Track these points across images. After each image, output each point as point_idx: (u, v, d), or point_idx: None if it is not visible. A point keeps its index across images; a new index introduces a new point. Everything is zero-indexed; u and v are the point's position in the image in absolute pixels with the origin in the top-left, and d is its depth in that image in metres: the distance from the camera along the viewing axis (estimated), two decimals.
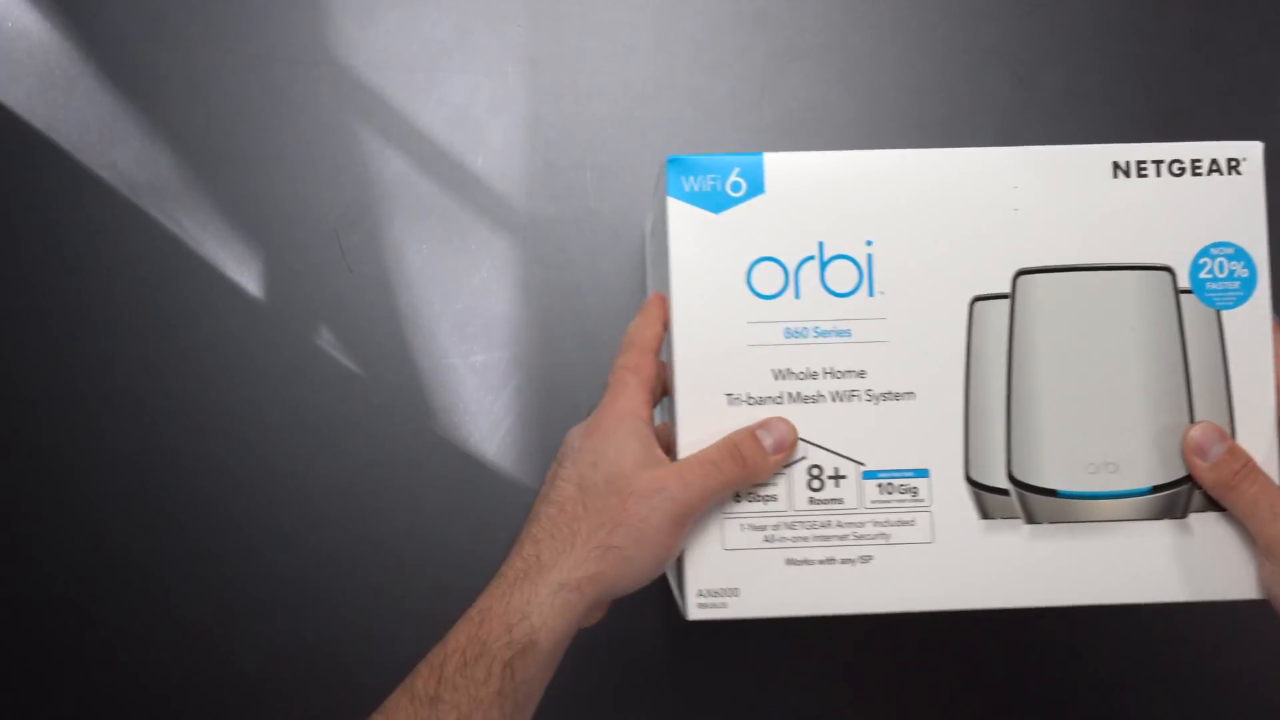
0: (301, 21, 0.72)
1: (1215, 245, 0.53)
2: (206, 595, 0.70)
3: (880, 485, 0.53)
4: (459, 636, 0.46)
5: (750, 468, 0.50)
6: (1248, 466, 0.52)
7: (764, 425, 0.51)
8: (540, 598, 0.47)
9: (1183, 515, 0.52)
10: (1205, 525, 0.52)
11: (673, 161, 0.53)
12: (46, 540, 0.70)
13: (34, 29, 0.70)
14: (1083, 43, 0.76)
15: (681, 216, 0.53)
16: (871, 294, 0.53)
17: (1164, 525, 0.52)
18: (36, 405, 0.70)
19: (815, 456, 0.52)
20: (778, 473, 0.52)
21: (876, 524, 0.53)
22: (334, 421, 0.71)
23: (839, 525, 0.53)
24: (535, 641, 0.46)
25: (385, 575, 0.71)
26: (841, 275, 0.53)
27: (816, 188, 0.53)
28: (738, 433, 0.51)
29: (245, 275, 0.71)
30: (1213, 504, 0.52)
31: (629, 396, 0.51)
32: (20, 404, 0.70)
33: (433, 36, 0.73)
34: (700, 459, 0.50)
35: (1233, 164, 0.53)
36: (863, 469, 0.53)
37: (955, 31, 0.75)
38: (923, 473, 0.52)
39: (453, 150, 0.72)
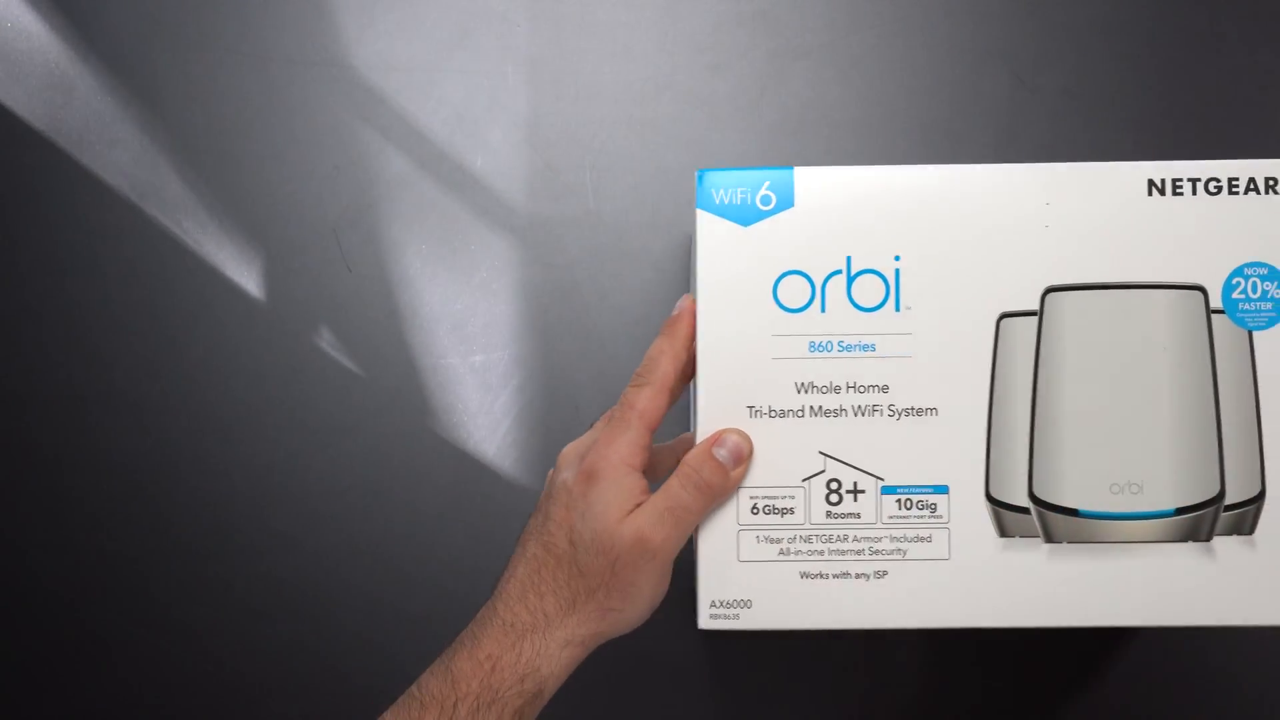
0: (301, 21, 0.72)
1: (1249, 265, 0.52)
2: (204, 595, 0.70)
3: (899, 501, 0.53)
4: (470, 682, 0.49)
5: (716, 492, 0.51)
6: None
7: (718, 442, 0.52)
8: (550, 651, 0.50)
9: (1207, 538, 0.52)
10: (1229, 549, 0.52)
11: (704, 174, 0.53)
12: (44, 540, 0.70)
13: (34, 29, 0.70)
14: (1083, 43, 0.76)
15: (711, 228, 0.53)
16: (898, 309, 0.53)
17: (1188, 548, 0.52)
18: (35, 405, 0.70)
19: (834, 470, 0.52)
20: (797, 488, 0.53)
21: (894, 539, 0.53)
22: (333, 421, 0.71)
23: (856, 540, 0.53)
24: (542, 691, 0.50)
25: (384, 575, 0.71)
26: (868, 290, 0.53)
27: (846, 202, 0.53)
28: (695, 457, 0.51)
29: (245, 275, 0.71)
30: (1237, 528, 0.52)
31: (628, 442, 0.51)
32: (19, 404, 0.70)
33: (433, 36, 0.73)
34: (671, 507, 0.50)
35: (1271, 183, 0.53)
36: (882, 484, 0.53)
37: (955, 31, 0.75)
38: (942, 489, 0.52)
39: (453, 150, 0.72)
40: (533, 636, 0.50)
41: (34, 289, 0.70)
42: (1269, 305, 0.52)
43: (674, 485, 0.51)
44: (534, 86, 0.73)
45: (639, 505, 0.51)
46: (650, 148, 0.73)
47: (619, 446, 0.51)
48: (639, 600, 0.51)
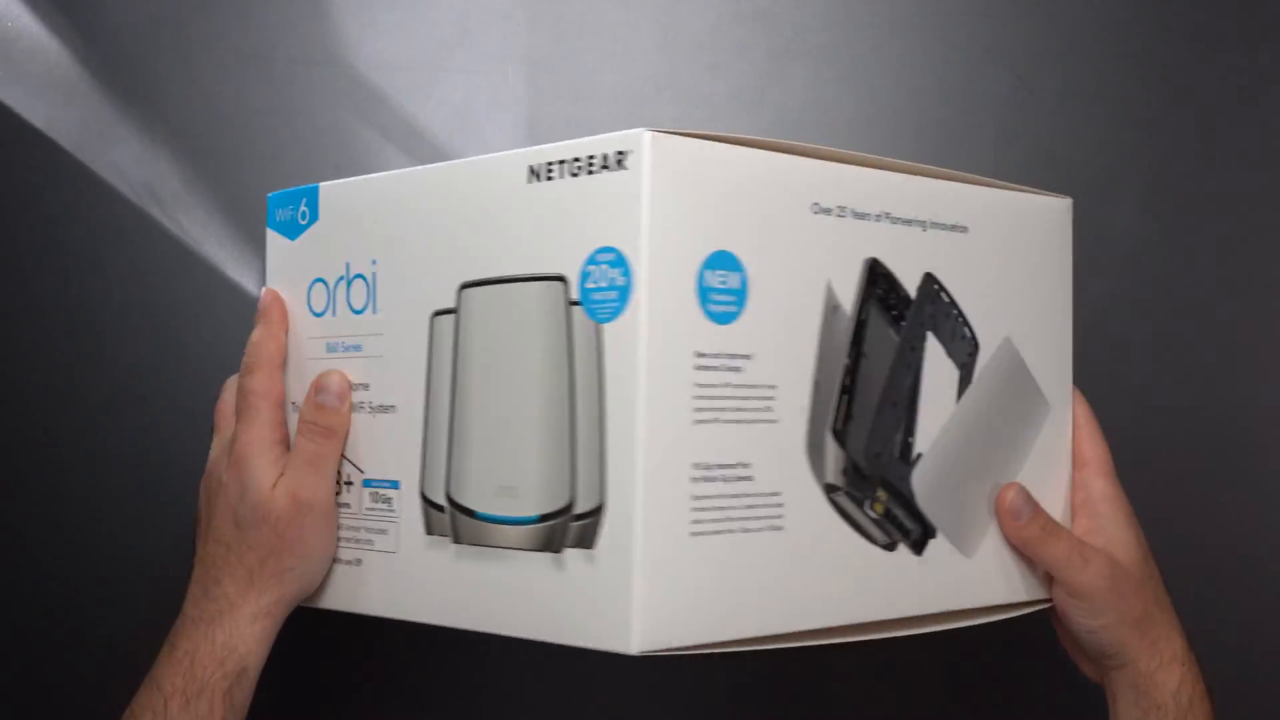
0: (301, 21, 0.72)
1: (600, 251, 0.47)
2: None
3: (372, 494, 0.55)
4: (174, 679, 0.52)
5: (336, 430, 0.55)
6: (1050, 521, 0.57)
7: (320, 388, 0.56)
8: (241, 629, 0.53)
9: (559, 549, 0.48)
10: (576, 562, 0.47)
11: (271, 197, 0.61)
12: (45, 540, 0.70)
13: (34, 29, 0.70)
14: (1082, 43, 0.76)
15: (273, 243, 0.61)
16: (376, 311, 0.55)
17: (545, 558, 0.48)
18: (35, 405, 0.70)
19: (344, 463, 0.56)
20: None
21: (367, 529, 0.55)
22: None
23: (348, 528, 0.56)
24: (245, 669, 0.53)
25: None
26: (358, 294, 0.56)
27: (352, 212, 0.57)
28: (307, 410, 0.55)
29: (245, 275, 0.71)
30: (582, 540, 0.47)
31: (261, 424, 0.56)
32: (19, 404, 0.70)
33: (433, 36, 0.73)
34: (308, 459, 0.55)
35: (620, 158, 0.47)
36: (364, 477, 0.56)
37: (955, 31, 0.75)
38: (394, 484, 0.54)
39: (453, 150, 0.72)
40: (221, 621, 0.53)
41: (34, 289, 0.70)
42: (614, 295, 0.46)
43: (301, 441, 0.55)
44: (534, 86, 0.73)
45: (282, 467, 0.55)
46: None
47: (256, 429, 0.55)
48: (312, 553, 0.55)
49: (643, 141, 0.46)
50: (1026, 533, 0.57)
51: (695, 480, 0.47)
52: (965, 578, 0.56)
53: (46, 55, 0.70)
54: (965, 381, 0.56)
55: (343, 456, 0.56)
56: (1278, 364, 0.78)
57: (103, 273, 0.70)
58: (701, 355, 0.47)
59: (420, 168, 0.55)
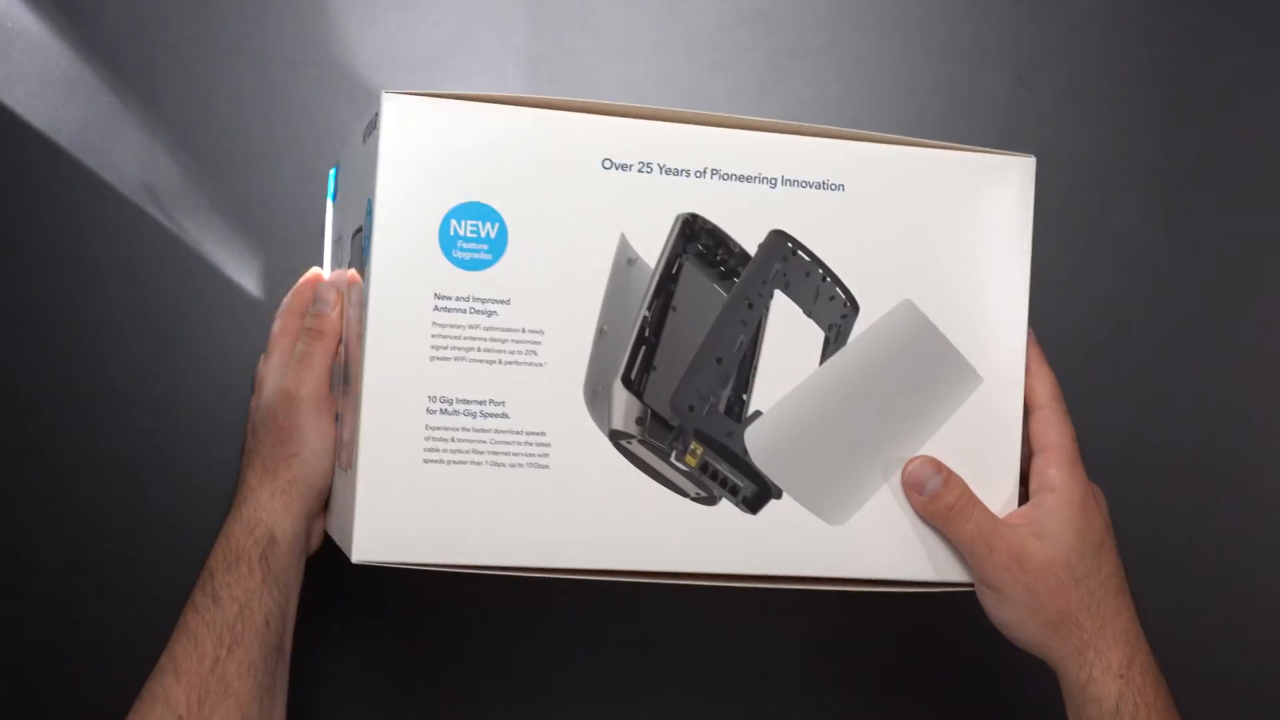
0: (301, 21, 0.72)
1: (367, 204, 0.53)
2: None
3: None
4: (215, 555, 0.58)
5: (328, 332, 0.60)
6: (962, 500, 0.55)
7: (317, 298, 0.62)
8: (263, 502, 0.59)
9: (345, 469, 0.56)
10: (342, 480, 0.57)
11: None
12: (43, 540, 0.70)
13: (34, 29, 0.70)
14: (1083, 43, 0.76)
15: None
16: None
17: (341, 475, 0.58)
18: (34, 405, 0.70)
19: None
20: None
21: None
22: None
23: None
24: (274, 536, 0.58)
25: (384, 575, 0.70)
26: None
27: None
28: (306, 317, 0.62)
29: (245, 275, 0.71)
30: (348, 464, 0.55)
31: (317, 375, 0.60)
32: (18, 404, 0.70)
33: (433, 36, 0.73)
34: (298, 358, 0.60)
35: (375, 121, 0.53)
36: None
37: (955, 31, 0.75)
38: None
39: None
40: (248, 502, 0.60)
41: (34, 288, 0.70)
42: (367, 243, 0.53)
43: (298, 345, 0.61)
44: (534, 86, 0.73)
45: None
46: None
47: (306, 374, 0.61)
48: (307, 441, 0.59)
49: (383, 104, 0.51)
50: (931, 508, 0.55)
51: (431, 412, 0.52)
52: (831, 546, 0.55)
53: (46, 55, 0.70)
54: (833, 343, 0.55)
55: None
56: (1278, 364, 0.78)
57: (102, 272, 0.70)
58: (443, 298, 0.51)
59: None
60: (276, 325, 0.65)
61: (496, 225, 0.52)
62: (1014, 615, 0.55)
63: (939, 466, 0.55)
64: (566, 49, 0.73)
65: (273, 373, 0.63)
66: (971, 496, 0.55)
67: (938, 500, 0.55)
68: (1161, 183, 0.77)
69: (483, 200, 0.52)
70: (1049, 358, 0.59)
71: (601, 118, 0.53)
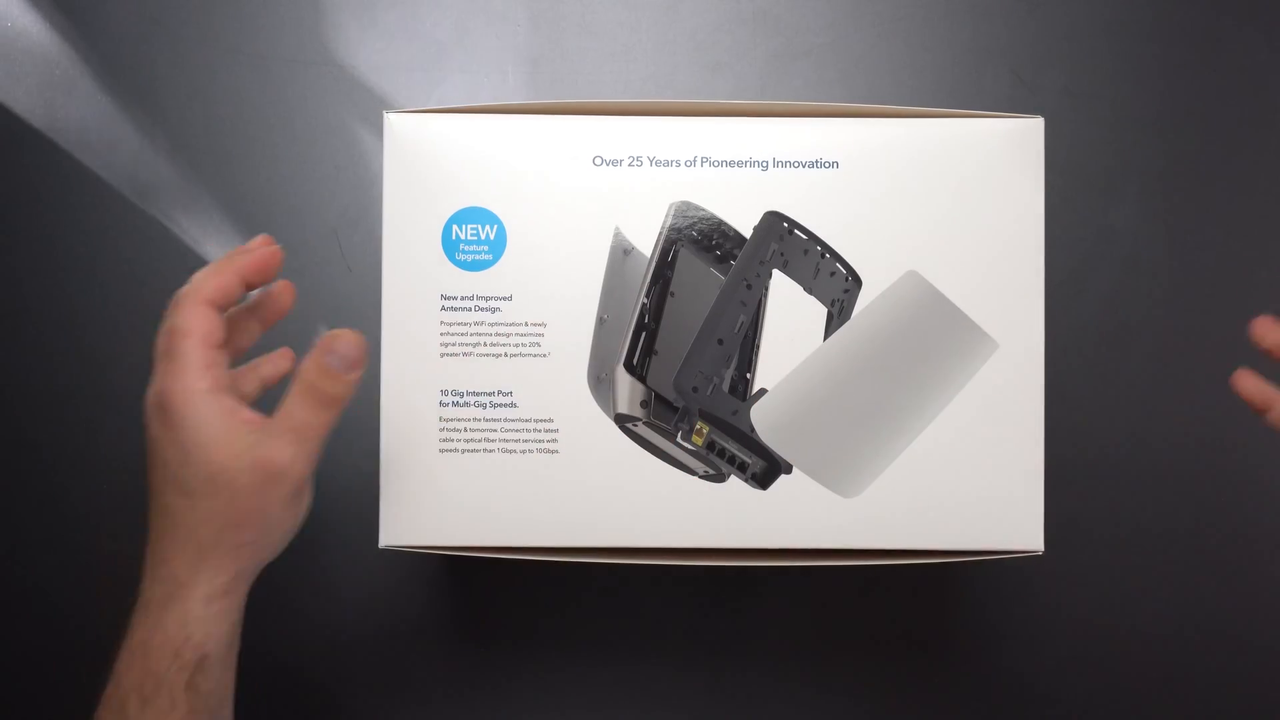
0: (301, 21, 0.72)
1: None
2: None
3: None
4: (131, 675, 0.46)
5: (337, 402, 0.48)
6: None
7: (329, 349, 0.48)
8: (195, 614, 0.46)
9: None
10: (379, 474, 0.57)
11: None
12: (43, 540, 0.70)
13: (34, 29, 0.70)
14: (1083, 43, 0.76)
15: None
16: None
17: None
18: (34, 405, 0.70)
19: None
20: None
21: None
22: None
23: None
24: (206, 655, 0.46)
25: (386, 570, 0.70)
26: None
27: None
28: (310, 370, 0.48)
29: None
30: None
31: (188, 369, 0.47)
32: (18, 404, 0.70)
33: (433, 36, 0.73)
34: (292, 427, 0.47)
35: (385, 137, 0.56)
36: None
37: (955, 31, 0.75)
38: None
39: None
40: (171, 606, 0.46)
41: (33, 288, 0.70)
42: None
43: (294, 404, 0.47)
44: (534, 86, 0.73)
45: (252, 430, 0.47)
46: None
47: (186, 376, 0.46)
48: (273, 528, 0.48)
49: (385, 123, 0.55)
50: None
51: (444, 405, 0.55)
52: (844, 518, 0.56)
53: (46, 55, 0.70)
54: (836, 318, 0.56)
55: None
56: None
57: (102, 272, 0.70)
58: (449, 298, 0.55)
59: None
60: (188, 316, 0.48)
61: (495, 227, 0.55)
62: None
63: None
64: (566, 49, 0.73)
65: (196, 422, 0.46)
66: None
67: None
68: (1161, 183, 0.77)
69: (481, 205, 0.55)
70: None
71: (590, 118, 0.56)
